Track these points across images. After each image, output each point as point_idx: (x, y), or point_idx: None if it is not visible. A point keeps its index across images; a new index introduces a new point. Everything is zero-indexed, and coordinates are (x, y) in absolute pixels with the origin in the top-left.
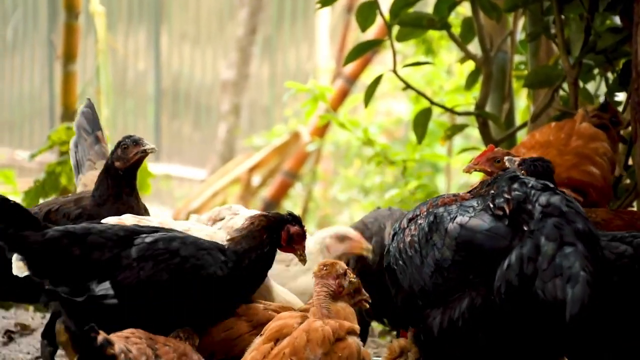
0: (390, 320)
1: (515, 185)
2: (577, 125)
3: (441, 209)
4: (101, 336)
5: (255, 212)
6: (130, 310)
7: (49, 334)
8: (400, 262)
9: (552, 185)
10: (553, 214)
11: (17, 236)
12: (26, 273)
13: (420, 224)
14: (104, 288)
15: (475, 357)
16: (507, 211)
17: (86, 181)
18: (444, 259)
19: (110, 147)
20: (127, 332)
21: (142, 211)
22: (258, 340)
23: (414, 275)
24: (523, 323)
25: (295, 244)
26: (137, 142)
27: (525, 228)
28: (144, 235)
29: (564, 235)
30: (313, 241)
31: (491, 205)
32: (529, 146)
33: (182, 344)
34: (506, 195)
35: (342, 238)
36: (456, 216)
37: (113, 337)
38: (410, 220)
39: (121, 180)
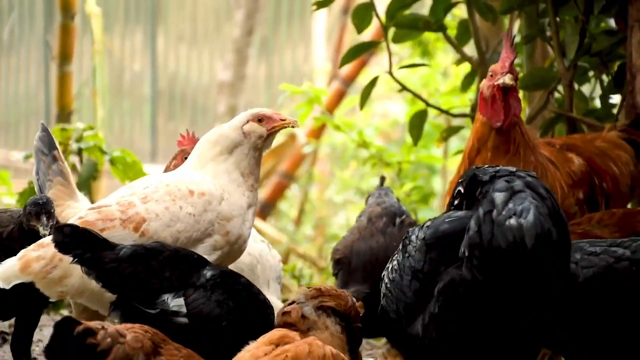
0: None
1: (468, 171)
2: (604, 133)
3: (414, 227)
4: (81, 326)
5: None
6: (196, 329)
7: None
8: (388, 294)
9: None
10: (503, 175)
11: (95, 258)
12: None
13: (399, 248)
14: (178, 304)
15: (461, 347)
16: (462, 191)
17: None
18: (417, 261)
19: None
20: (138, 325)
21: None
22: (254, 344)
23: (398, 295)
24: (496, 292)
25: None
26: (38, 216)
27: (480, 195)
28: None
29: (515, 186)
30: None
31: (450, 200)
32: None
33: (196, 356)
34: (460, 180)
35: (260, 118)
36: (424, 224)
37: (97, 323)
38: (392, 257)
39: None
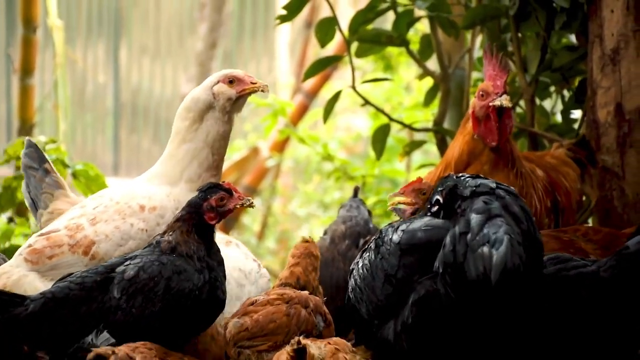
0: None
1: (446, 179)
2: (552, 150)
3: (387, 226)
4: (92, 353)
5: (223, 236)
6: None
7: None
8: (357, 290)
9: (482, 176)
10: (483, 192)
11: (8, 318)
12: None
13: (370, 246)
14: (105, 338)
15: (433, 354)
16: (441, 201)
17: (53, 211)
18: (391, 266)
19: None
20: (140, 343)
21: None
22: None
23: (368, 295)
24: (468, 307)
25: (227, 206)
26: None
27: (459, 210)
28: (121, 269)
29: (492, 209)
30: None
31: (428, 206)
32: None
33: None
34: (439, 189)
35: (230, 79)
36: (399, 226)
37: (113, 348)
38: (362, 251)
39: None
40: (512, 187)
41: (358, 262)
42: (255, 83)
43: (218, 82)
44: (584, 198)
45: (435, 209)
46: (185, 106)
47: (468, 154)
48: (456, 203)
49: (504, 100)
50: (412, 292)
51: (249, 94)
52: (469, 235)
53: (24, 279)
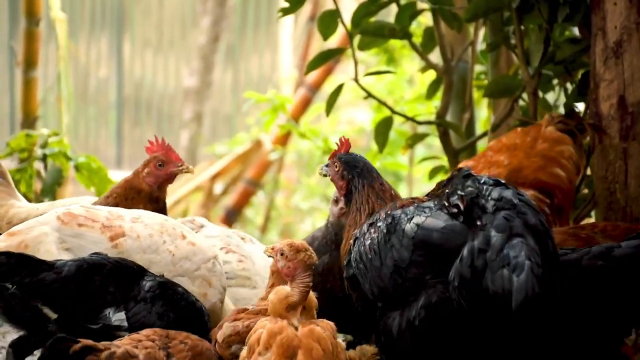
0: (355, 335)
1: (468, 182)
2: (542, 129)
3: (399, 211)
4: (79, 344)
5: (220, 226)
6: None
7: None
8: (361, 266)
9: (503, 181)
10: (504, 207)
11: (35, 282)
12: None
13: (380, 226)
14: (119, 319)
15: (435, 357)
16: (462, 207)
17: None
18: (402, 259)
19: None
20: (144, 333)
21: None
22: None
23: (374, 277)
24: (479, 319)
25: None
26: None
27: (479, 223)
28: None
29: (514, 227)
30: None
31: (446, 204)
32: (496, 149)
33: (201, 343)
34: (460, 192)
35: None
36: (413, 216)
37: (111, 344)
38: (370, 225)
39: None
40: (532, 202)
41: (365, 233)
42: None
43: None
44: (586, 191)
45: (454, 210)
46: None
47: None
48: (476, 211)
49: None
50: (422, 292)
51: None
52: (488, 254)
53: (43, 237)
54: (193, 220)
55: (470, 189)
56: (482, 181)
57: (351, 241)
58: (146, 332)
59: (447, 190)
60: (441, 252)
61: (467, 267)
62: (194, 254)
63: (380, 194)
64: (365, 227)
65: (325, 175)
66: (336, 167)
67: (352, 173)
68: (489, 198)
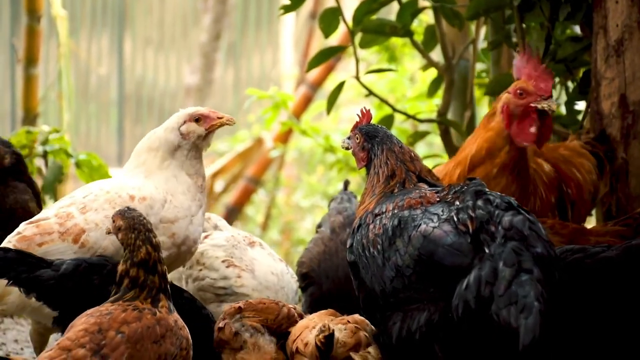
0: None
1: (480, 203)
2: (567, 142)
3: (406, 213)
4: None
5: (233, 228)
6: None
7: None
8: (364, 259)
9: (515, 204)
10: (514, 238)
11: (31, 278)
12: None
13: (385, 224)
14: None
15: None
16: (471, 230)
17: None
18: (406, 267)
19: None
20: (73, 336)
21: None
22: None
23: (375, 275)
24: (479, 341)
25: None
26: None
27: (487, 250)
28: None
29: (522, 262)
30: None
31: (455, 219)
32: None
33: (140, 323)
34: (470, 213)
35: (197, 118)
36: (420, 224)
37: (44, 354)
38: (375, 216)
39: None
40: (544, 231)
41: (369, 224)
42: (222, 117)
43: (185, 122)
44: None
45: (462, 228)
46: (153, 147)
47: (487, 151)
48: (484, 237)
49: (553, 105)
50: (424, 304)
51: (217, 128)
52: (495, 287)
53: None
54: (209, 218)
55: (481, 212)
56: (494, 203)
57: (355, 225)
58: (75, 334)
59: (457, 203)
60: (445, 269)
61: (472, 297)
62: (150, 208)
63: (400, 156)
64: (370, 217)
65: (347, 148)
66: (357, 138)
67: (372, 142)
68: (499, 226)
